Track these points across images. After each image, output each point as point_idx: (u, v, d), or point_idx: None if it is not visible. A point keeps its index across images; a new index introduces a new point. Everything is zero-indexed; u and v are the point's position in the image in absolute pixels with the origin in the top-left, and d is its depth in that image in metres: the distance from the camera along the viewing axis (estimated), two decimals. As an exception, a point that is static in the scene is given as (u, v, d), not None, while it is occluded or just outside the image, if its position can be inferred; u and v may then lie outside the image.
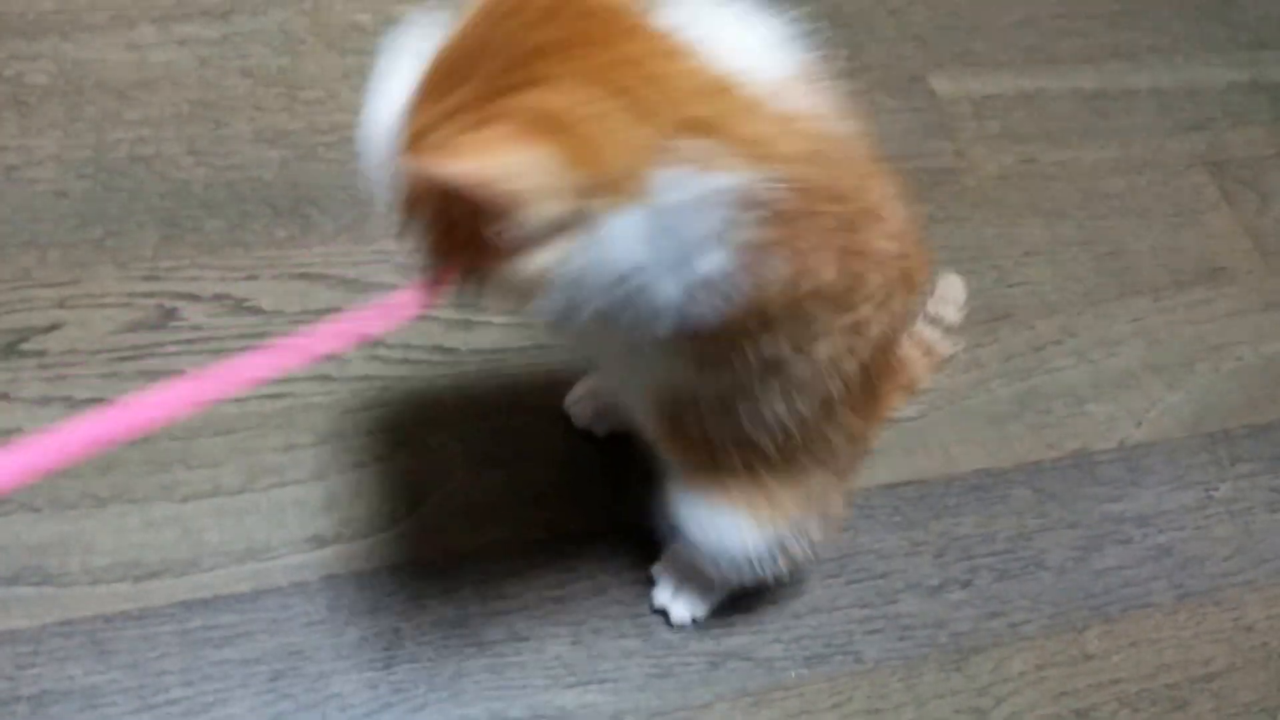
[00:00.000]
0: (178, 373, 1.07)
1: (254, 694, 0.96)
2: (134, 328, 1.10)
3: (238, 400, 1.06)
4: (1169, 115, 1.48)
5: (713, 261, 0.66)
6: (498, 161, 0.60)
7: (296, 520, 1.03)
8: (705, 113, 0.64)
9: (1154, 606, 1.16)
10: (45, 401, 1.06)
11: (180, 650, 0.96)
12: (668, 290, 0.67)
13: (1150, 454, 1.24)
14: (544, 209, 0.62)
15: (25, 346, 1.08)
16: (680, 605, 1.05)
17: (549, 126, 0.62)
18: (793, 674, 1.05)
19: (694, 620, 1.05)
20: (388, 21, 1.35)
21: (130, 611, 0.97)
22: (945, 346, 1.07)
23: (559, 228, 0.63)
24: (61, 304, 1.10)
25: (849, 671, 1.07)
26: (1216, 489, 1.24)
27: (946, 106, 1.42)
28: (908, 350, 1.04)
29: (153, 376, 1.07)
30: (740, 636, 1.06)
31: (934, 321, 1.08)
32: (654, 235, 0.64)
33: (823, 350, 0.76)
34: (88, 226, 1.14)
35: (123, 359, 1.08)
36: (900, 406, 1.03)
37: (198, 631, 0.97)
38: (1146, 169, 1.43)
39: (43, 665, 0.94)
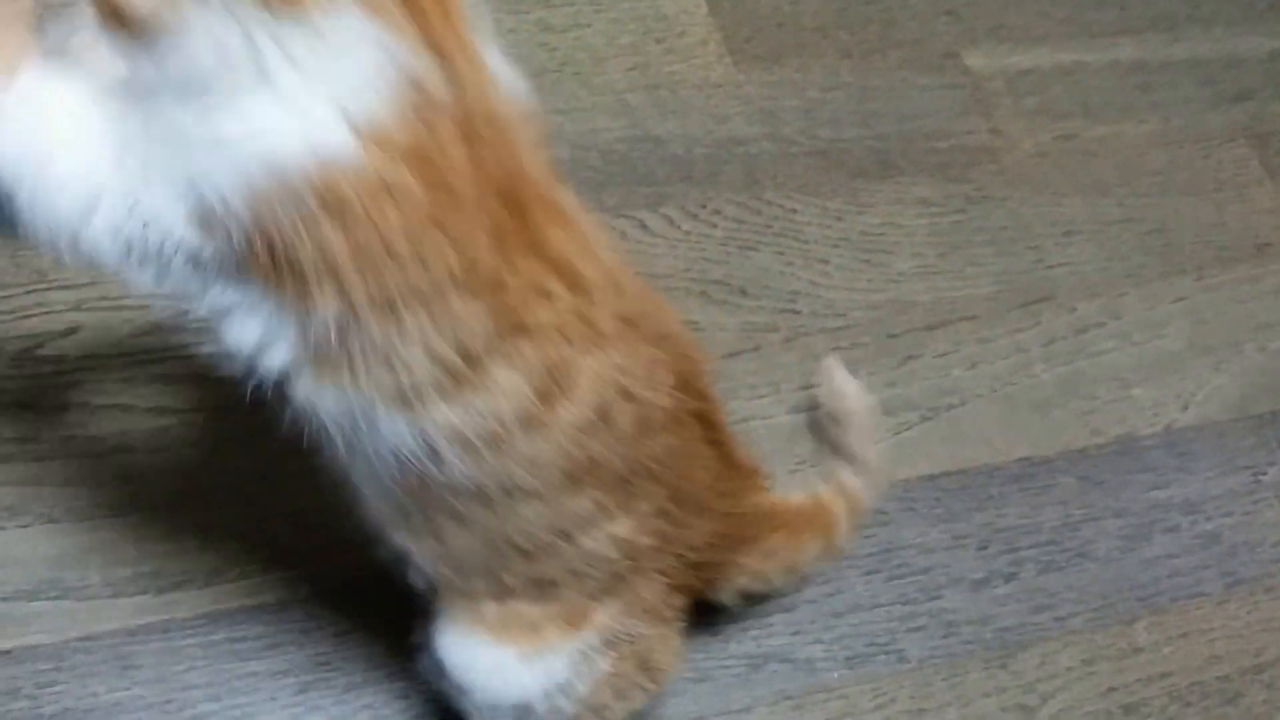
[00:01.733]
0: (205, 378, 1.00)
1: (282, 707, 0.90)
2: (153, 330, 1.03)
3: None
4: (1210, 87, 1.38)
5: (335, 128, 0.60)
6: None
7: (323, 527, 0.97)
8: None
9: (1203, 596, 1.09)
10: (63, 408, 0.99)
11: (206, 663, 0.90)
12: (272, 134, 0.60)
13: (1197, 438, 1.16)
14: None
15: (42, 352, 1.01)
16: None
17: None
18: (834, 675, 0.98)
19: None
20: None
21: (154, 624, 0.91)
22: (864, 491, 0.98)
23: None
24: (78, 307, 1.03)
25: (892, 671, 1.00)
26: (1265, 473, 1.16)
27: (981, 83, 1.33)
28: (825, 495, 0.96)
29: (172, 380, 1.01)
30: (779, 638, 1.00)
31: (844, 455, 0.99)
32: (289, 55, 0.59)
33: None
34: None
35: (141, 363, 1.01)
36: (811, 557, 0.94)
37: (224, 644, 0.91)
38: (1188, 143, 1.34)
39: (65, 683, 0.88)
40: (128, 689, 0.89)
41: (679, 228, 1.18)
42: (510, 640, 0.79)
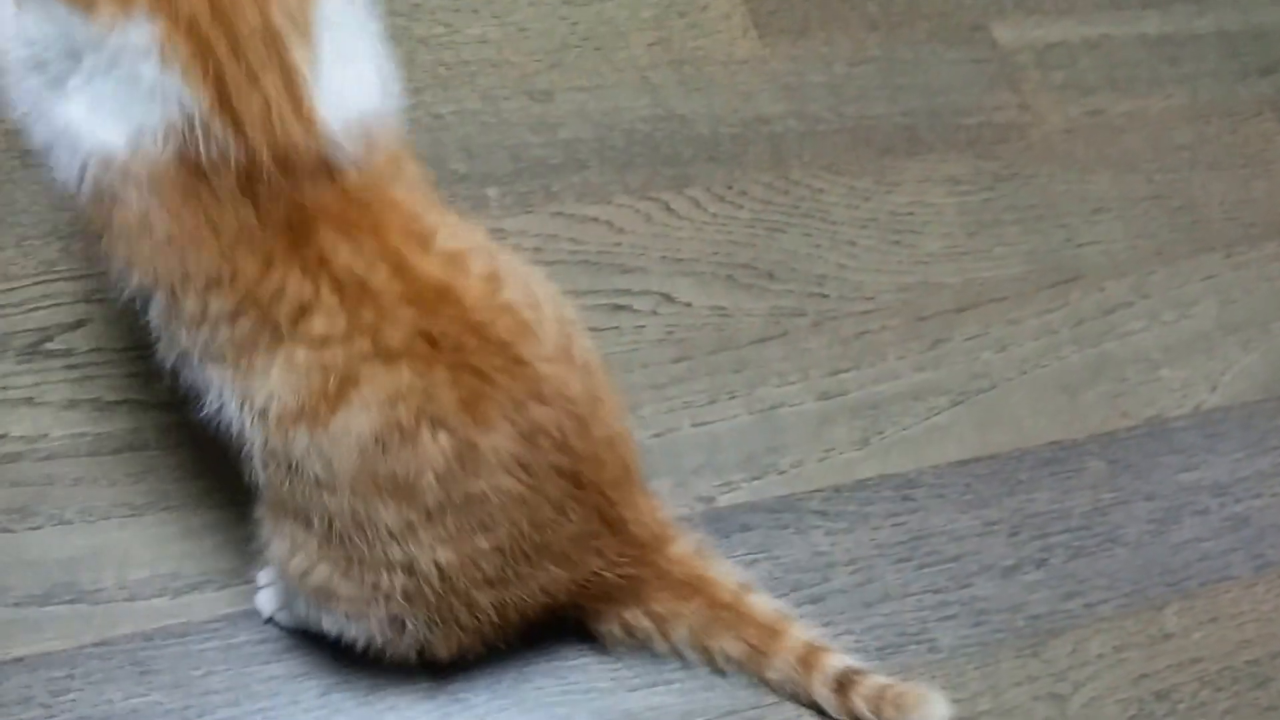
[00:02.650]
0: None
1: (304, 710, 0.82)
2: None
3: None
4: (1237, 59, 1.26)
5: (117, 136, 0.61)
6: None
7: (345, 520, 0.88)
8: (223, 46, 0.59)
9: (1233, 579, 1.00)
10: (73, 404, 0.90)
11: (226, 667, 0.82)
12: (75, 123, 0.61)
13: (1226, 419, 1.06)
14: None
15: (50, 346, 0.92)
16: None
17: None
18: (866, 666, 0.89)
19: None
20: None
21: (171, 627, 0.83)
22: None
23: None
24: (88, 298, 0.94)
25: (924, 661, 0.92)
26: (1295, 454, 1.06)
27: (1009, 56, 1.21)
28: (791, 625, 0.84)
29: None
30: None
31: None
32: (85, 55, 0.60)
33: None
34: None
35: (154, 356, 0.90)
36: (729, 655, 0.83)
37: (244, 646, 0.83)
38: (1215, 117, 1.22)
39: (80, 690, 0.80)
40: (145, 695, 0.81)
41: (705, 210, 1.08)
42: (304, 587, 0.74)
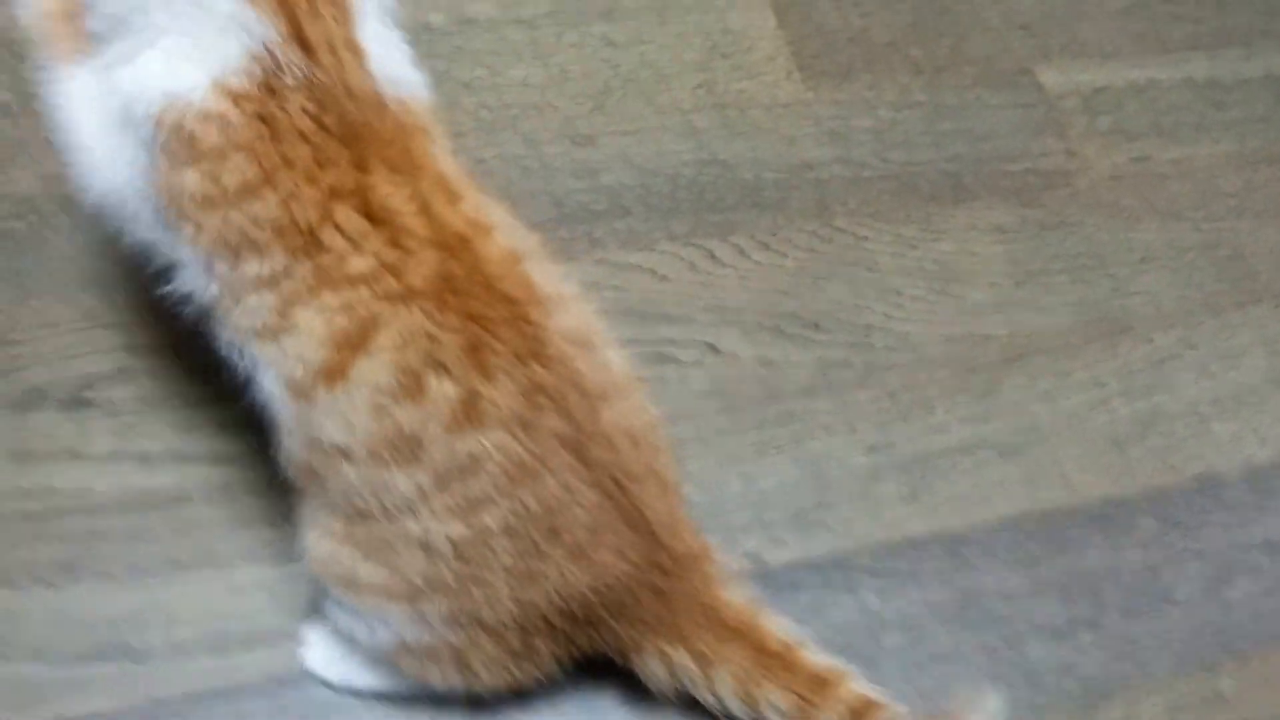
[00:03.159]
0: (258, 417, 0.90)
1: (353, 773, 0.80)
2: (209, 372, 0.86)
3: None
4: (1284, 105, 1.25)
5: (197, 78, 0.66)
6: None
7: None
8: None
9: (1285, 640, 0.98)
10: (116, 457, 0.89)
11: (275, 729, 0.81)
12: (153, 74, 0.67)
13: (1276, 474, 1.05)
14: None
15: (91, 395, 0.91)
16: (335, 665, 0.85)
17: None
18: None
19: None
20: (461, 21, 1.15)
21: (220, 689, 0.81)
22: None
23: None
24: (130, 348, 0.93)
25: (975, 724, 0.90)
26: (1347, 511, 1.05)
27: (1055, 101, 1.20)
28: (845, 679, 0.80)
29: (230, 426, 0.90)
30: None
31: None
32: (175, 10, 0.66)
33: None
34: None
35: (198, 407, 0.91)
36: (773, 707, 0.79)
37: (294, 708, 0.81)
38: (1264, 164, 1.21)
39: (128, 752, 0.79)
40: (194, 758, 0.80)
41: (750, 258, 1.07)
42: (334, 579, 0.75)
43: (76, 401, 0.91)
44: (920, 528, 0.96)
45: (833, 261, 1.07)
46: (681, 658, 0.79)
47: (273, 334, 0.68)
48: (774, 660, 0.79)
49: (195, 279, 0.71)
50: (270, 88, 0.67)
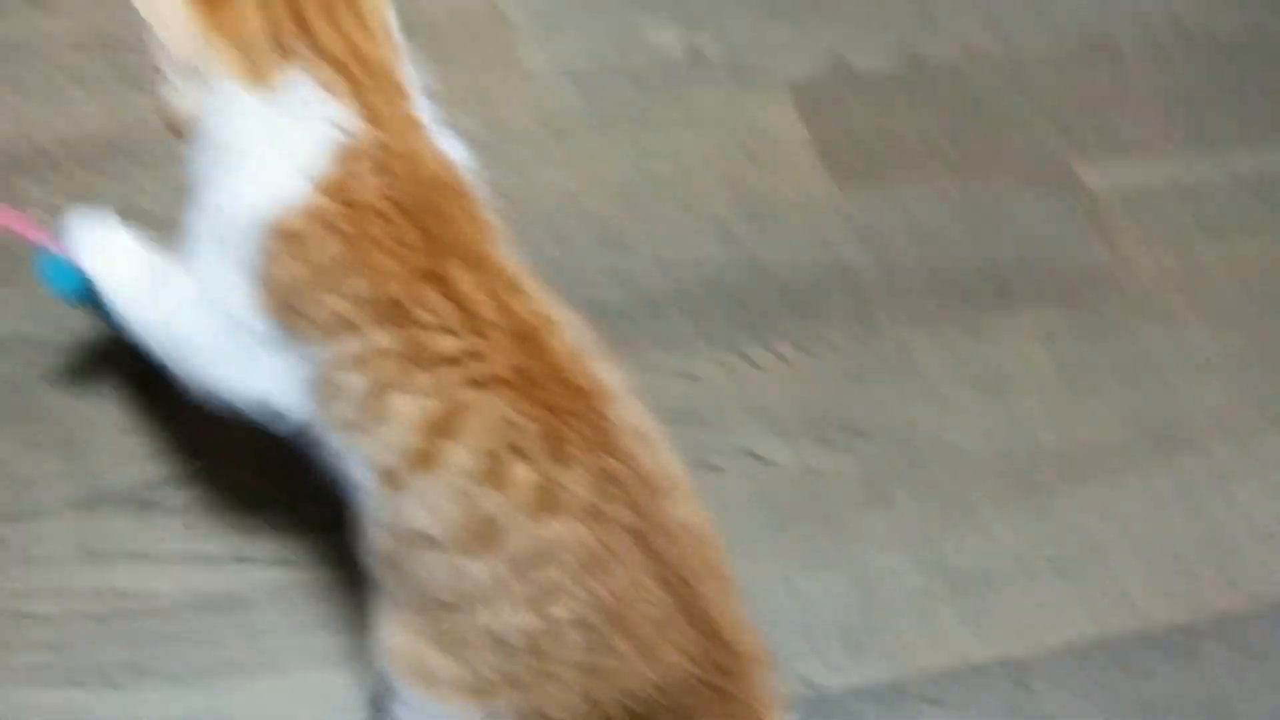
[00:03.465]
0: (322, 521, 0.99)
1: None
2: (272, 475, 1.00)
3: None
4: (1337, 200, 1.33)
5: (294, 180, 0.77)
6: None
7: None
8: (361, 71, 0.79)
9: (1360, 772, 1.03)
10: (182, 559, 0.98)
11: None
12: (254, 191, 0.78)
13: (1347, 596, 1.10)
14: (166, 40, 0.79)
15: (161, 499, 1.00)
16: None
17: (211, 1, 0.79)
18: None
19: None
20: (496, 127, 1.23)
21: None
22: None
23: (190, 71, 0.80)
24: (198, 452, 1.02)
25: None
26: None
27: (1097, 199, 1.28)
28: None
29: (294, 530, 0.99)
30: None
31: None
32: (259, 122, 0.79)
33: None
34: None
35: (262, 512, 1.00)
36: None
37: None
38: (1315, 263, 1.29)
39: None
40: None
41: (788, 361, 1.13)
42: (408, 673, 0.81)
43: (144, 503, 1.00)
44: (981, 652, 1.01)
45: (875, 365, 1.14)
46: None
47: (367, 423, 0.76)
48: None
49: (301, 396, 0.80)
50: (350, 171, 0.77)
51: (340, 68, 0.80)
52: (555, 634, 0.75)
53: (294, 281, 0.78)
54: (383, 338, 0.76)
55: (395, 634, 0.81)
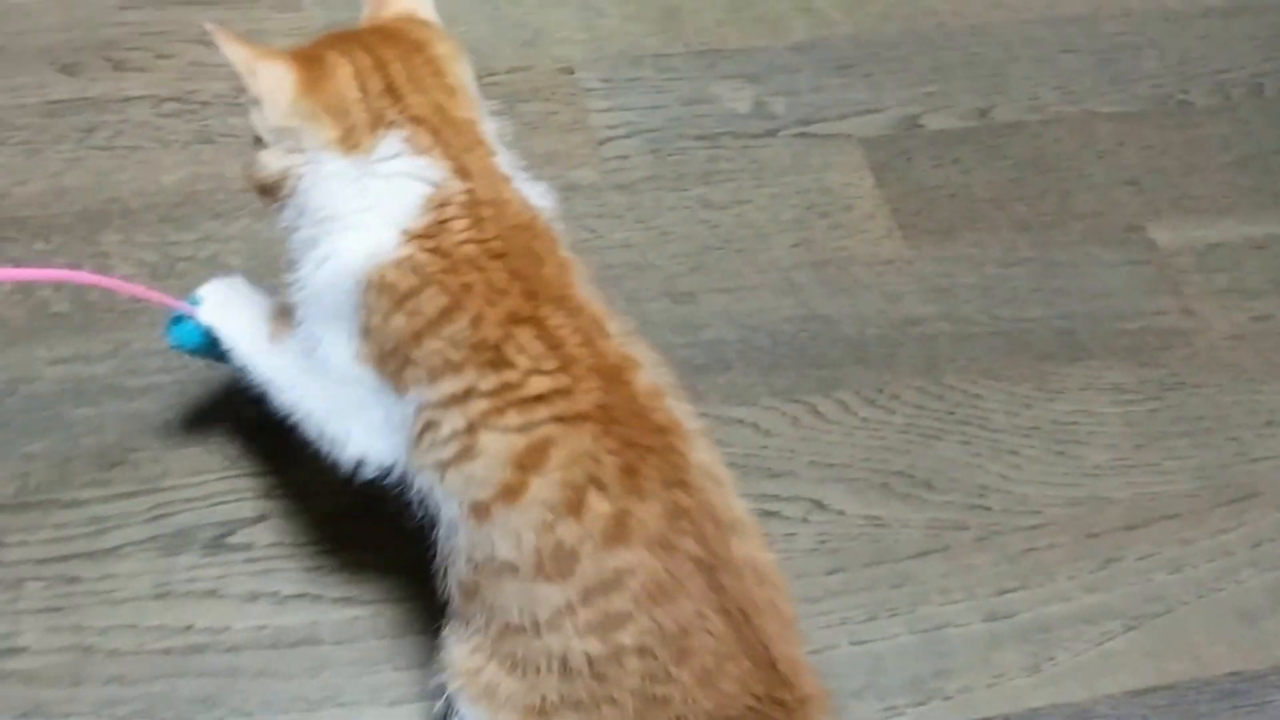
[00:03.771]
0: (387, 563, 1.10)
1: None
2: (341, 518, 1.12)
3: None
4: None
5: (389, 235, 0.87)
6: (242, 54, 0.88)
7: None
8: (449, 131, 0.90)
9: None
10: (253, 598, 1.08)
11: None
12: (352, 250, 0.88)
13: None
14: (271, 110, 0.89)
15: (232, 540, 1.11)
16: None
17: (306, 60, 0.90)
18: None
19: None
20: (566, 187, 1.36)
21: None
22: None
23: (286, 136, 0.90)
24: (268, 494, 1.13)
25: None
26: None
27: (1168, 259, 1.38)
28: None
29: (359, 570, 1.10)
30: None
31: None
32: (354, 183, 0.89)
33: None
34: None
35: (329, 552, 1.11)
36: None
37: None
38: (1391, 323, 1.37)
39: None
40: None
41: (855, 414, 1.24)
42: (472, 692, 0.90)
43: (218, 544, 1.11)
44: (1042, 699, 1.09)
45: (943, 419, 1.24)
46: None
47: (460, 460, 0.85)
48: None
49: (398, 441, 0.90)
50: (441, 221, 0.88)
51: (430, 128, 0.90)
52: (618, 659, 0.84)
53: (395, 331, 0.88)
54: (479, 378, 0.86)
55: (463, 654, 0.90)
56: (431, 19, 0.97)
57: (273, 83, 0.89)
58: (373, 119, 0.89)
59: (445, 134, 0.90)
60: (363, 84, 0.90)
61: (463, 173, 0.90)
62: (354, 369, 0.91)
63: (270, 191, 0.92)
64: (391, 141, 0.89)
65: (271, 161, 0.91)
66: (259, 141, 0.91)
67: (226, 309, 1.03)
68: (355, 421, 0.94)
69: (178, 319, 1.04)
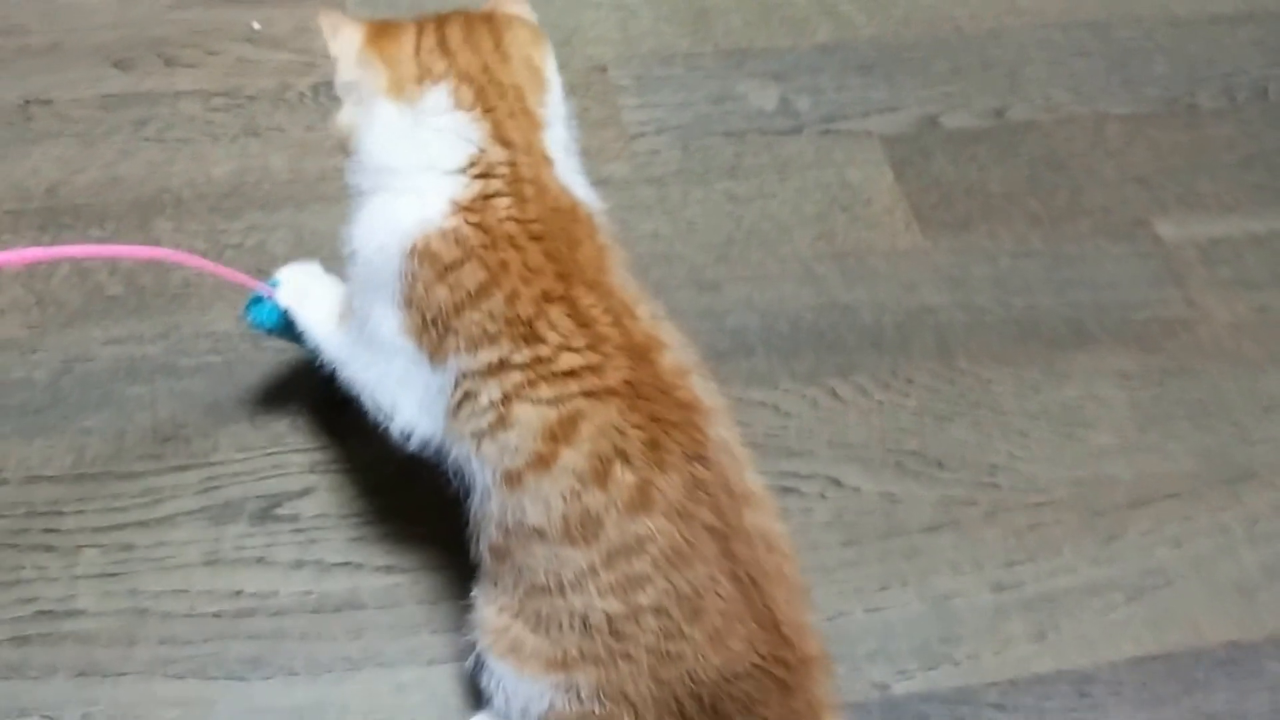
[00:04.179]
0: (425, 533, 1.18)
1: None
2: (381, 491, 1.19)
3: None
4: None
5: (434, 194, 0.94)
6: (331, 19, 1.00)
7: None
8: (493, 92, 0.96)
9: None
10: (299, 565, 1.15)
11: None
12: (404, 216, 0.94)
13: None
14: (343, 66, 0.99)
15: (279, 511, 1.18)
16: None
17: (382, 25, 1.00)
18: None
19: None
20: (598, 181, 1.43)
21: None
22: None
23: (353, 90, 0.99)
24: (313, 469, 1.21)
25: None
26: None
27: (1174, 252, 1.45)
28: None
29: (399, 540, 1.17)
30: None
31: None
32: (403, 135, 0.96)
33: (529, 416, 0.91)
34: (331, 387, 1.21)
35: (370, 523, 1.18)
36: None
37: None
38: (1389, 315, 1.44)
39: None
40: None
41: (871, 396, 1.31)
42: (500, 647, 0.97)
43: (267, 516, 1.18)
44: (1047, 665, 1.16)
45: (955, 402, 1.31)
46: None
47: (495, 429, 0.92)
48: None
49: (440, 412, 0.97)
50: (485, 195, 0.94)
51: (474, 87, 0.96)
52: (635, 618, 0.91)
53: (437, 301, 0.94)
54: (514, 351, 0.92)
55: (492, 614, 0.98)
56: (525, 13, 1.05)
57: (346, 40, 0.98)
58: (421, 70, 0.96)
59: (489, 94, 0.96)
60: (419, 42, 0.98)
61: (503, 139, 0.96)
62: (399, 340, 0.97)
63: (346, 146, 1.00)
64: (438, 94, 0.96)
65: (344, 117, 0.99)
66: (336, 98, 1.00)
67: (303, 292, 1.11)
68: (403, 395, 1.00)
69: (256, 299, 1.11)
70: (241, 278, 1.09)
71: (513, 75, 0.98)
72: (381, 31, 0.99)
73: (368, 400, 1.03)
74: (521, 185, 0.95)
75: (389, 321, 0.97)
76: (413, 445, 1.01)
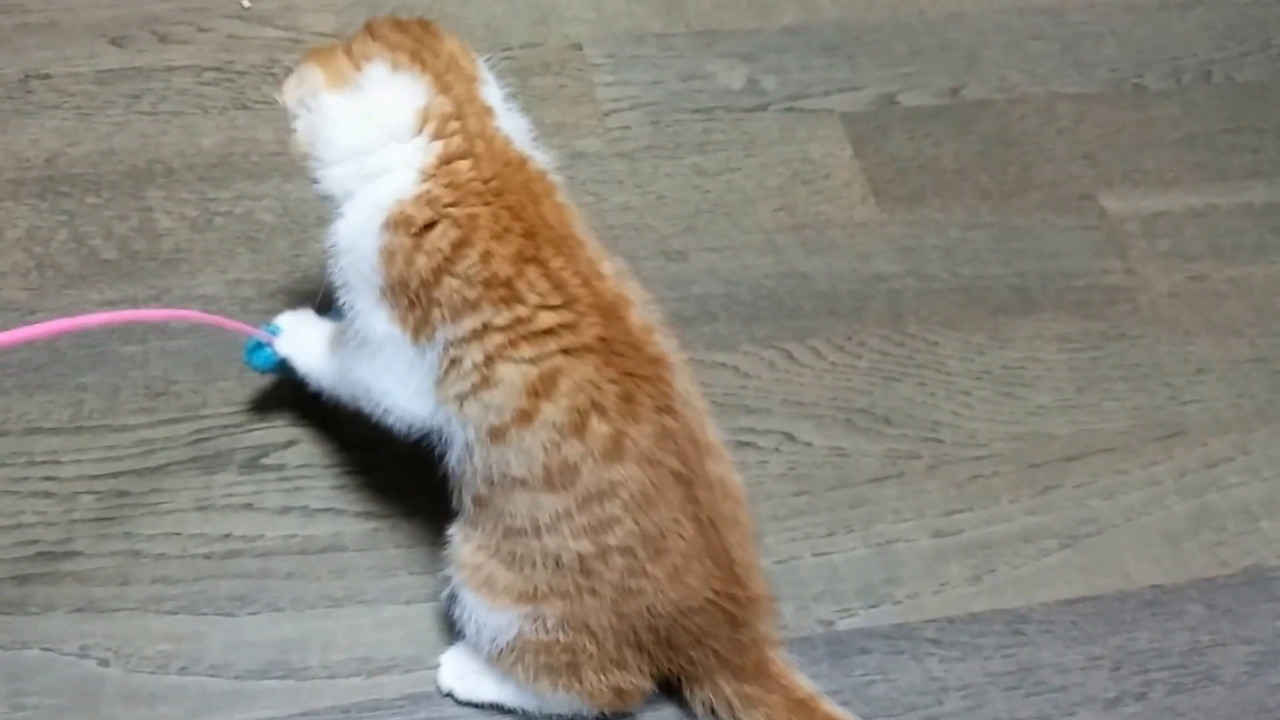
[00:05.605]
0: (402, 481, 1.27)
1: (476, 789, 1.13)
2: (362, 444, 1.29)
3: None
4: (1341, 231, 1.60)
5: (401, 166, 0.99)
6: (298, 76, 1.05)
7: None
8: (427, 54, 1.01)
9: (1329, 724, 1.26)
10: (284, 511, 1.26)
11: (408, 742, 1.15)
12: (379, 195, 0.99)
13: (1324, 572, 1.35)
14: (286, 98, 1.05)
15: (266, 461, 1.29)
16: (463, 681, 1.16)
17: (313, 50, 1.05)
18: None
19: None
20: (572, 155, 1.54)
21: (364, 703, 1.15)
22: None
23: (301, 105, 1.03)
24: (297, 423, 1.31)
25: (1029, 784, 1.19)
26: (1392, 606, 1.34)
27: (1117, 225, 1.56)
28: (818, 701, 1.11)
29: (378, 489, 1.27)
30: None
31: None
32: (353, 115, 1.00)
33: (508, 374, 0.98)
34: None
35: (351, 473, 1.28)
36: None
37: (425, 721, 1.16)
38: (1320, 284, 1.55)
39: (286, 753, 1.13)
40: (339, 760, 1.13)
41: (825, 359, 1.41)
42: (474, 582, 1.05)
43: (254, 465, 1.29)
44: (983, 605, 1.27)
45: (904, 364, 1.42)
46: (732, 694, 1.10)
47: (479, 389, 0.98)
48: (800, 707, 1.11)
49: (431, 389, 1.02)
50: (446, 158, 0.99)
51: (408, 51, 1.01)
52: (603, 557, 1.01)
53: (418, 271, 0.98)
54: (494, 314, 0.97)
55: (468, 552, 1.06)
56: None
57: (304, 71, 1.04)
58: (355, 59, 1.02)
59: (423, 55, 1.01)
60: (349, 45, 1.04)
61: (445, 88, 1.00)
62: (388, 330, 1.01)
63: (309, 163, 1.04)
64: (375, 68, 1.01)
65: (298, 134, 1.04)
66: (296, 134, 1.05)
67: (299, 342, 1.20)
68: (397, 385, 1.04)
69: (256, 345, 1.22)
70: (245, 327, 1.19)
71: (443, 45, 1.03)
72: (314, 51, 1.05)
73: (366, 403, 1.09)
74: (473, 141, 1.00)
75: (377, 316, 1.02)
76: (415, 434, 1.07)
